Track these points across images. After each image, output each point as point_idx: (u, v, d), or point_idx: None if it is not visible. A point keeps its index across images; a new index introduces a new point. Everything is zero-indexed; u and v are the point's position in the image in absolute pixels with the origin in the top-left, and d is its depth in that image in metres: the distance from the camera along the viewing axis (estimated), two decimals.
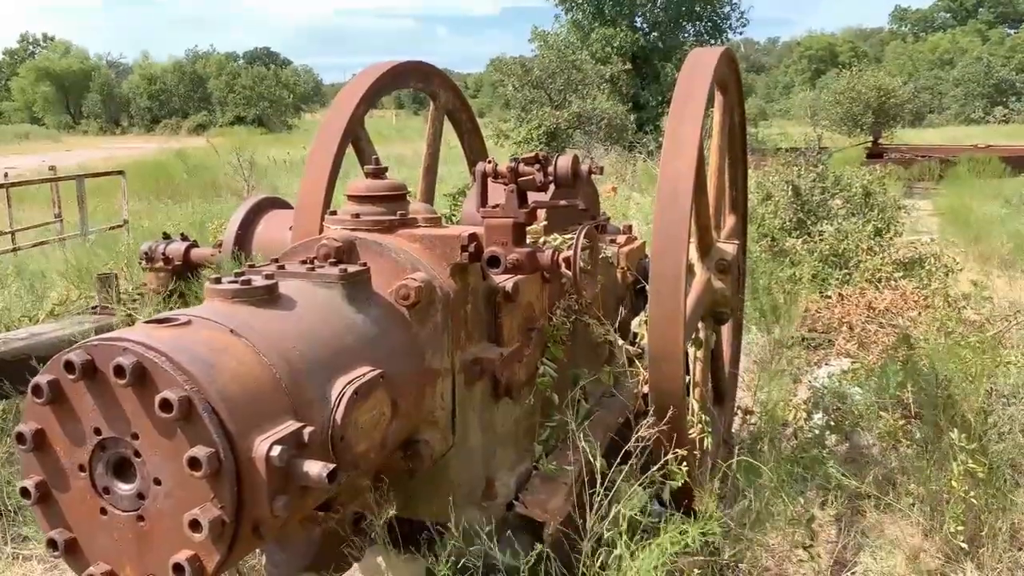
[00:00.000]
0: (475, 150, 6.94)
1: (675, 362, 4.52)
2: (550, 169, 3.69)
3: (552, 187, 3.93)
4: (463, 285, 3.87)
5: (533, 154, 3.66)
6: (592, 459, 4.48)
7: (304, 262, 3.58)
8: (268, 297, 3.14)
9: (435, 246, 3.81)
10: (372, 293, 3.56)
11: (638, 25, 33.84)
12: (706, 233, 5.53)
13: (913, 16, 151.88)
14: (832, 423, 6.79)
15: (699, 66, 4.98)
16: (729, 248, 5.69)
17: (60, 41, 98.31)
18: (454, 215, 6.06)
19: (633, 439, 4.36)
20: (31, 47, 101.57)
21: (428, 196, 6.40)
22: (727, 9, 37.18)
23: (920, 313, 7.82)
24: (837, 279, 9.10)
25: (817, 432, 6.62)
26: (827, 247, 9.42)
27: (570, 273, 3.66)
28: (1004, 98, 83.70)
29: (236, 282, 3.13)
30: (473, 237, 3.80)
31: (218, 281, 3.15)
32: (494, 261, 3.76)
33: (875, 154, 30.64)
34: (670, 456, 4.48)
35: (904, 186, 22.39)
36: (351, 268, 3.46)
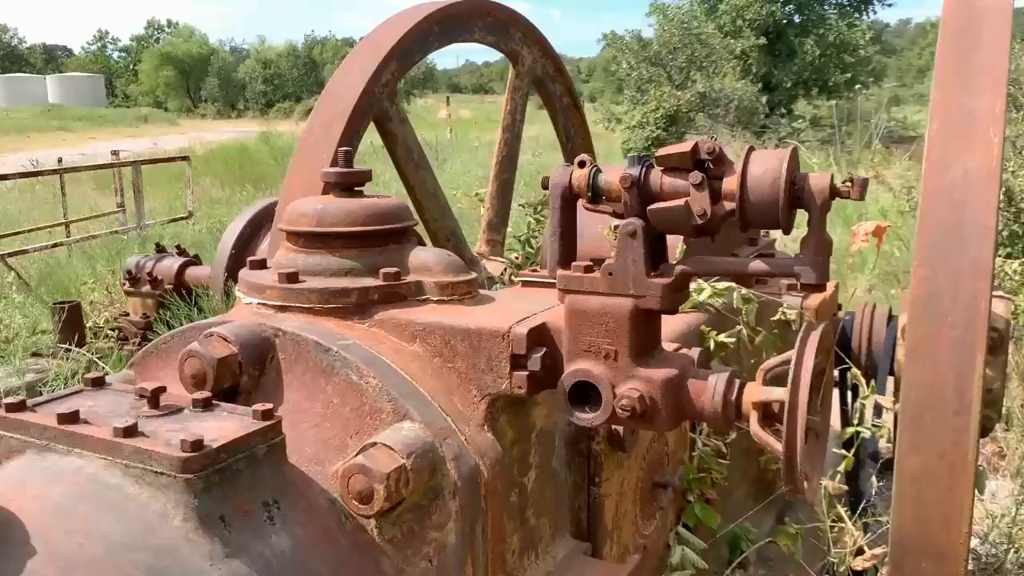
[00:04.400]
0: (573, 137, 4.76)
1: (955, 561, 2.32)
2: (729, 183, 1.48)
3: (721, 216, 1.67)
4: (516, 436, 1.75)
5: (689, 146, 1.47)
6: None
7: (142, 395, 1.51)
8: None
9: (454, 353, 1.69)
10: (283, 485, 1.46)
11: None
12: None
13: None
14: None
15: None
16: (1000, 309, 3.36)
17: (184, 26, 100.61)
18: (533, 239, 3.95)
19: None
20: (156, 33, 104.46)
21: (501, 207, 4.27)
22: None
23: None
24: None
25: None
26: None
27: (773, 443, 1.46)
28: None
29: None
30: (536, 336, 1.66)
31: None
32: (584, 394, 1.61)
33: None
34: None
35: None
36: (222, 436, 1.38)
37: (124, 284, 5.42)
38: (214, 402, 1.53)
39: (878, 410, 3.54)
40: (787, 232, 1.50)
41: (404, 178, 3.68)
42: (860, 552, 3.06)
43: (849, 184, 1.44)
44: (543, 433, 1.86)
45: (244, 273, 1.89)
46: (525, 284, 2.58)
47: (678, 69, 24.11)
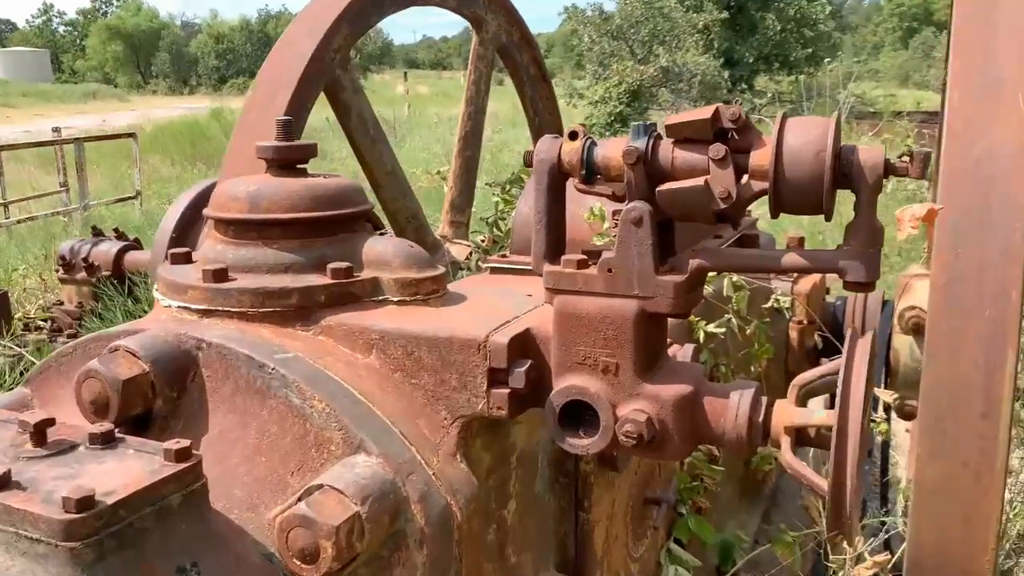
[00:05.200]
0: (541, 110, 4.45)
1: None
2: (759, 157, 1.19)
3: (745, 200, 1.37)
4: (494, 462, 1.47)
5: (709, 111, 1.18)
6: None
7: (25, 429, 1.19)
8: None
9: (418, 367, 1.40)
10: (204, 542, 1.15)
11: None
12: None
13: None
14: None
15: None
16: None
17: (132, 0, 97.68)
18: (501, 220, 3.66)
19: None
20: (103, 6, 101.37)
21: (465, 186, 3.97)
22: None
23: None
24: None
25: None
26: None
27: (814, 479, 1.20)
28: None
29: None
30: (519, 346, 1.37)
31: None
32: (578, 416, 1.32)
33: None
34: None
35: None
36: (122, 486, 1.07)
37: (58, 270, 5.02)
38: (118, 435, 1.22)
39: (873, 403, 3.32)
40: (829, 218, 1.22)
41: (359, 154, 3.36)
42: (860, 559, 2.84)
43: (907, 159, 1.16)
44: (525, 455, 1.58)
45: (163, 270, 1.57)
46: (494, 271, 2.31)
47: (640, 43, 23.75)
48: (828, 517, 1.18)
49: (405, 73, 42.77)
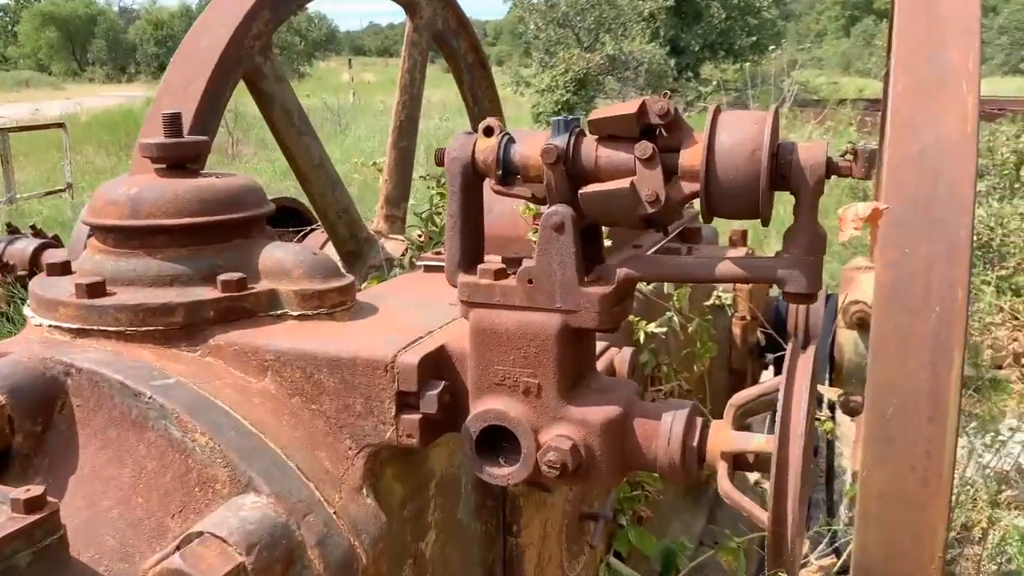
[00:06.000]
0: (480, 99, 4.31)
1: None
2: (689, 156, 1.07)
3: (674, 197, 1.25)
4: (408, 492, 1.33)
5: (634, 105, 1.04)
6: None
7: None
8: None
9: (319, 391, 1.25)
10: None
11: None
12: None
13: None
14: None
15: None
16: None
17: None
18: (437, 215, 3.50)
19: None
20: None
21: (400, 179, 3.81)
22: None
23: None
24: (991, 283, 6.45)
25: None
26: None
27: (753, 510, 1.08)
28: None
29: None
30: (431, 366, 1.23)
31: None
32: (497, 442, 1.19)
33: None
34: None
35: None
36: None
37: None
38: None
39: (817, 400, 3.26)
40: (766, 223, 1.10)
41: (284, 147, 3.20)
42: (805, 563, 2.78)
43: (851, 157, 1.05)
44: (445, 481, 1.44)
45: (35, 283, 1.40)
46: (428, 269, 2.18)
47: (587, 31, 23.70)
48: (768, 553, 1.07)
49: (350, 60, 42.14)
